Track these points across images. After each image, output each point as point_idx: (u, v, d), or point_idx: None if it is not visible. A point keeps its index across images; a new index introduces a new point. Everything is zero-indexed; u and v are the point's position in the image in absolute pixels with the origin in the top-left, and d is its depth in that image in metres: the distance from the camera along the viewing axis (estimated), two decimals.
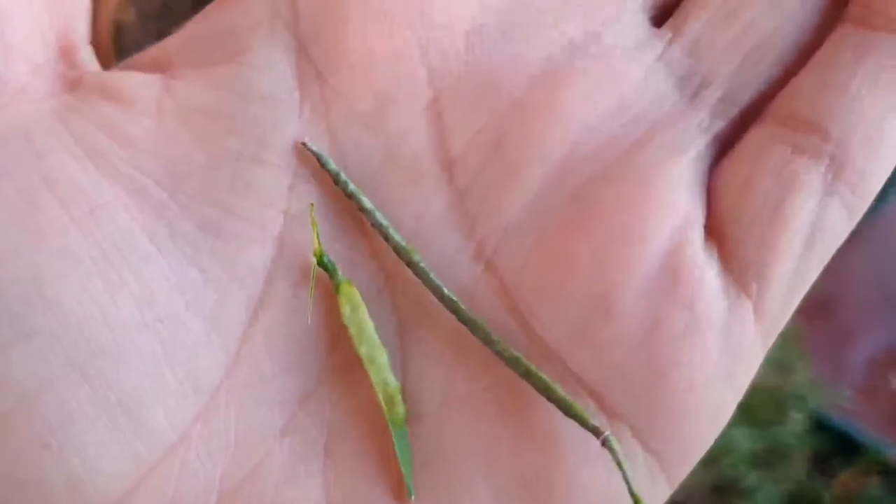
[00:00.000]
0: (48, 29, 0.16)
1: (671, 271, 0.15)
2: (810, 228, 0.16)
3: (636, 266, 0.15)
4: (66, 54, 0.16)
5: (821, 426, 0.71)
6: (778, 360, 0.69)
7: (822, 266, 0.16)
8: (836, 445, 0.71)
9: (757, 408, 0.68)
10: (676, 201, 0.16)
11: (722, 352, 0.15)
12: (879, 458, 0.69)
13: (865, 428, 0.73)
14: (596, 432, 0.15)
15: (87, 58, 0.17)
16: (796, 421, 0.69)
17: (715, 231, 0.16)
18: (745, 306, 0.15)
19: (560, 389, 0.15)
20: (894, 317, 0.87)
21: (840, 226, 0.16)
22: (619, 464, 0.15)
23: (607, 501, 0.15)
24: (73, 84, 0.16)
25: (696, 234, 0.16)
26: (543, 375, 0.15)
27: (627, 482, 0.14)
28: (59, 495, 0.14)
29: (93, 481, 0.14)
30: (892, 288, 0.89)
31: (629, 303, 0.15)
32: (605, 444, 0.15)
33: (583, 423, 0.15)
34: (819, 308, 0.85)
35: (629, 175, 0.16)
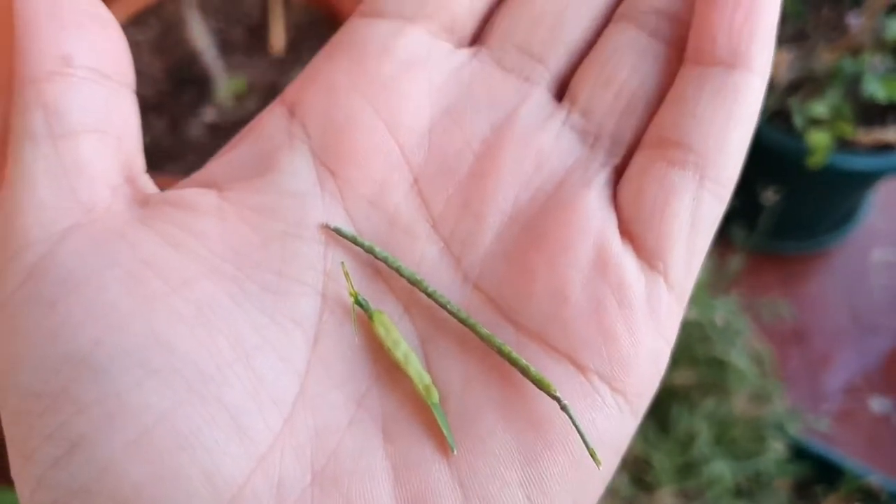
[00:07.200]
0: (116, 163, 0.21)
1: (600, 264, 0.21)
2: (691, 215, 0.22)
3: (575, 265, 0.21)
4: (130, 181, 0.21)
5: (801, 454, 0.71)
6: (755, 391, 0.69)
7: (708, 242, 0.22)
8: (817, 472, 0.71)
9: (737, 439, 0.68)
10: (593, 217, 0.22)
11: (649, 313, 0.21)
12: (860, 484, 0.69)
13: (845, 453, 0.74)
14: (558, 401, 0.20)
15: (147, 183, 0.22)
16: (776, 450, 0.69)
17: (626, 232, 0.22)
18: (658, 280, 0.21)
19: (533, 370, 0.20)
20: (867, 341, 0.88)
21: (713, 210, 0.22)
22: (574, 423, 0.20)
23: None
24: (142, 203, 0.21)
25: (613, 236, 0.22)
26: (523, 361, 0.20)
27: (582, 436, 0.20)
28: (198, 485, 0.18)
29: (220, 472, 0.18)
30: (863, 312, 0.90)
31: (577, 290, 0.21)
32: (563, 409, 0.20)
33: (548, 393, 0.20)
34: (793, 336, 0.86)
35: (558, 206, 0.22)
